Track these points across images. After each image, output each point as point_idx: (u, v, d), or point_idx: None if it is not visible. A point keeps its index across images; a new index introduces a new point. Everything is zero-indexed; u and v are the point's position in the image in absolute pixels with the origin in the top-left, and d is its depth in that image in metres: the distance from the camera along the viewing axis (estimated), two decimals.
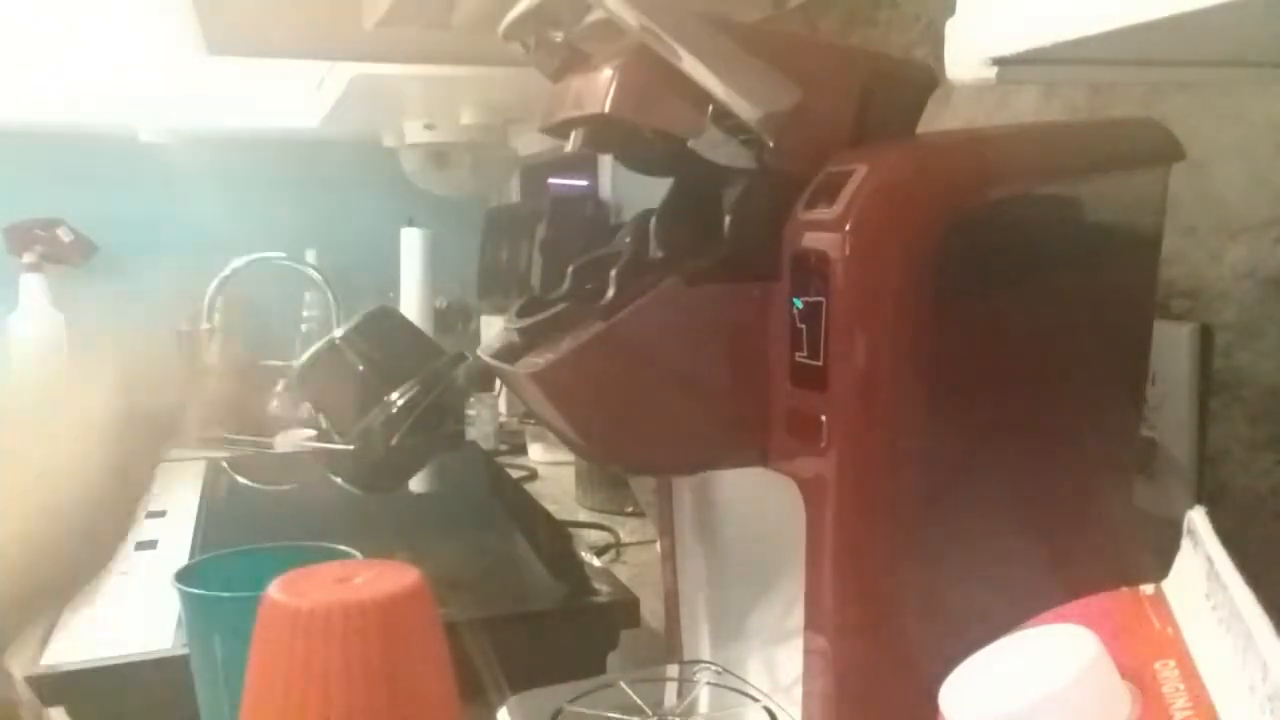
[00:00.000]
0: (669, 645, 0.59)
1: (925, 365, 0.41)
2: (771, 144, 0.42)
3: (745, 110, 0.41)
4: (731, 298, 0.43)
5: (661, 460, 0.48)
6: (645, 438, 0.46)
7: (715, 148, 0.45)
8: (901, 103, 0.47)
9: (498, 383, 1.60)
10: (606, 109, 0.42)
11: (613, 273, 0.43)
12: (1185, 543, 0.31)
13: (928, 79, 0.48)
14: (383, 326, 1.32)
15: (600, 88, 0.42)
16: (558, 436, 0.48)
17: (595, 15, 0.43)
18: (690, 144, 0.45)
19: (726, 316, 0.43)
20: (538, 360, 0.43)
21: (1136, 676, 0.28)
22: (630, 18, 0.40)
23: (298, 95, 1.72)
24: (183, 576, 0.52)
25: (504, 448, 1.51)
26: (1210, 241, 0.60)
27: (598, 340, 0.42)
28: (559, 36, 0.48)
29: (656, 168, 0.52)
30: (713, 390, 0.44)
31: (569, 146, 0.46)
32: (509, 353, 0.47)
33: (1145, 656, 0.28)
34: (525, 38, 0.48)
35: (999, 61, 0.34)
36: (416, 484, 1.25)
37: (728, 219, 0.46)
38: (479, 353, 0.51)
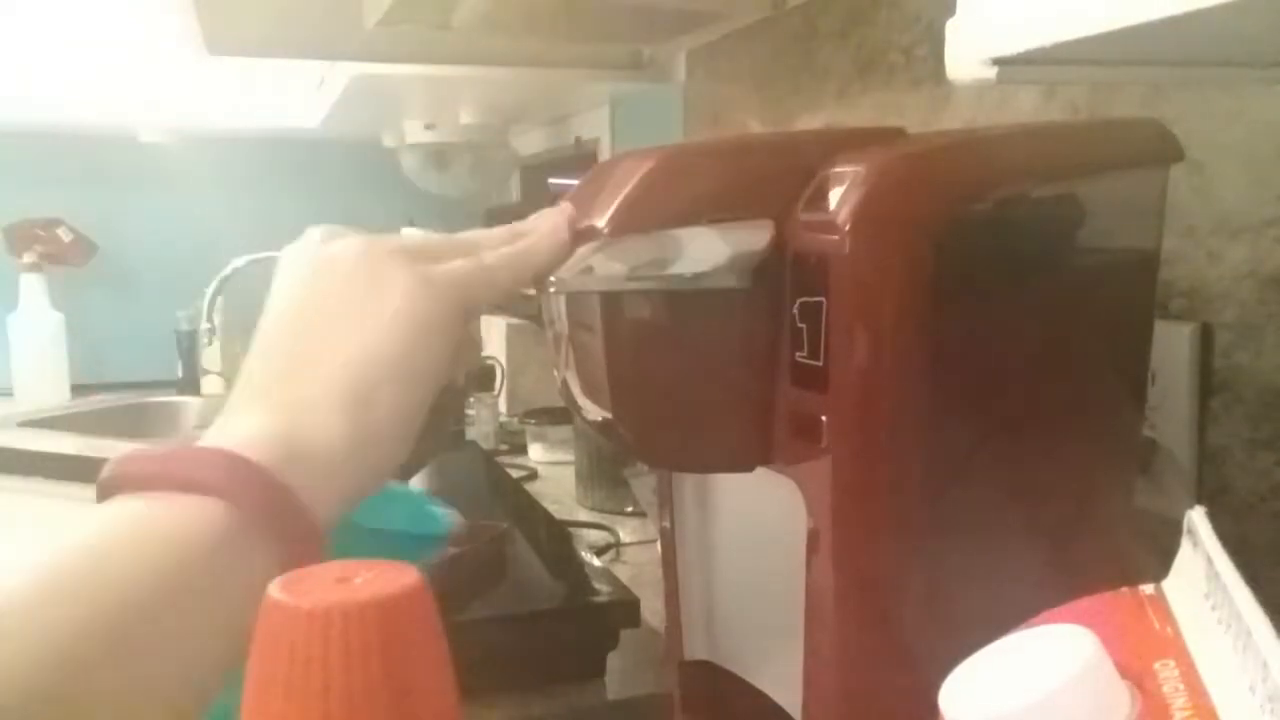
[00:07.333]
0: (669, 645, 0.59)
1: (925, 365, 0.41)
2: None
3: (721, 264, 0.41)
4: (731, 298, 0.43)
5: (660, 460, 0.48)
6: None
7: None
8: None
9: (498, 383, 1.60)
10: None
11: None
12: (1185, 543, 0.31)
13: None
14: None
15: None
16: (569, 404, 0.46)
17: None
18: None
19: (726, 316, 0.43)
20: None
21: (1136, 676, 0.28)
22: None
23: (298, 95, 1.72)
24: None
25: (504, 448, 1.51)
26: (1210, 241, 0.60)
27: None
28: None
29: None
30: (711, 390, 0.44)
31: None
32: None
33: (1145, 656, 0.28)
34: None
35: (999, 61, 0.34)
36: (416, 484, 1.25)
37: None
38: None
